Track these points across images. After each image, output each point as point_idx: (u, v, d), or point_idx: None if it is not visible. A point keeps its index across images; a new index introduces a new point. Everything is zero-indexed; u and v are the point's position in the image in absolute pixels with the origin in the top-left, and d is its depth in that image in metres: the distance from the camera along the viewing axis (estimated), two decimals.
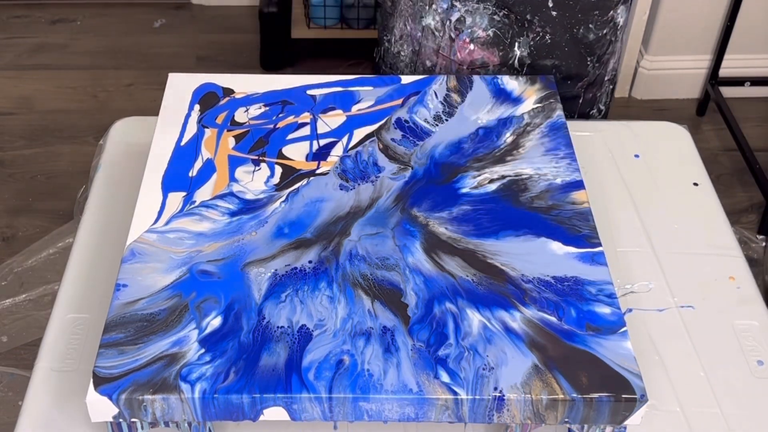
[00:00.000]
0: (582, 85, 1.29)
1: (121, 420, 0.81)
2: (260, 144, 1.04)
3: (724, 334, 0.97)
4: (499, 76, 1.13)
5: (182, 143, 1.03)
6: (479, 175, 1.01)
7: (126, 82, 2.63)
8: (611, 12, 1.23)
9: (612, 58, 1.31)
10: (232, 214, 0.95)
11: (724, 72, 2.48)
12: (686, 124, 1.25)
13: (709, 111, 2.54)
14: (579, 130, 1.18)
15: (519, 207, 0.97)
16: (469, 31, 1.22)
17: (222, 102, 1.09)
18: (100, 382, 0.79)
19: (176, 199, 0.97)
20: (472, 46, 1.24)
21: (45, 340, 0.94)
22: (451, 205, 0.97)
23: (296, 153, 1.03)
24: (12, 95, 2.57)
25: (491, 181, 1.00)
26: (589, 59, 1.26)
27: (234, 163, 1.01)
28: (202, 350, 0.82)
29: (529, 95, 1.10)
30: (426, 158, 1.03)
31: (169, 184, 0.99)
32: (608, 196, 1.11)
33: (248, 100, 1.09)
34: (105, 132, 1.20)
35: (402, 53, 1.33)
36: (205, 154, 1.02)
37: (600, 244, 0.93)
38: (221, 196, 0.97)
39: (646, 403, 0.80)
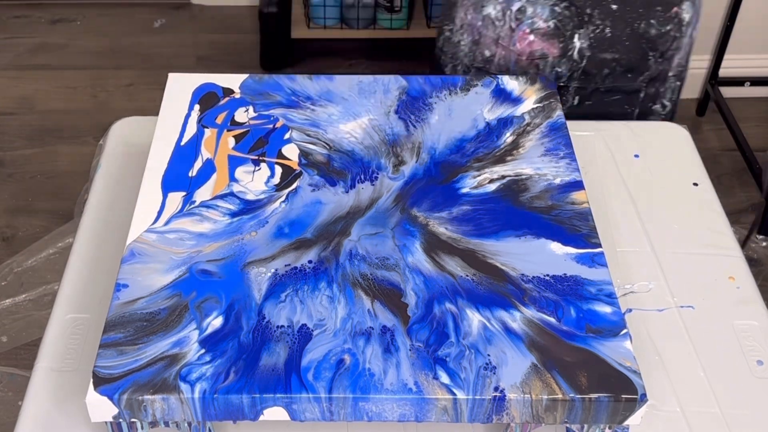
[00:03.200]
0: (643, 80, 1.29)
1: (121, 420, 0.81)
2: (260, 144, 1.04)
3: (724, 334, 0.97)
4: (500, 76, 1.13)
5: (182, 143, 1.03)
6: (479, 175, 1.01)
7: (126, 82, 2.63)
8: (675, 8, 1.23)
9: (677, 54, 1.30)
10: (232, 214, 0.95)
11: (723, 72, 2.48)
12: (686, 124, 1.25)
13: (709, 111, 2.53)
14: (579, 130, 1.18)
15: (519, 207, 0.97)
16: (530, 21, 1.22)
17: (222, 102, 1.09)
18: (100, 382, 0.79)
19: (176, 199, 0.97)
20: (532, 37, 1.24)
21: (45, 340, 0.94)
22: (451, 205, 0.97)
23: (296, 153, 1.03)
24: (12, 95, 2.57)
25: (491, 181, 1.00)
26: (651, 54, 1.26)
27: (234, 163, 1.01)
28: (202, 350, 0.82)
29: (529, 95, 1.10)
30: (425, 156, 1.03)
31: (169, 184, 0.98)
32: (608, 196, 1.11)
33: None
34: (105, 132, 1.20)
35: (462, 42, 1.33)
36: (205, 154, 1.02)
37: (600, 245, 0.93)
38: (221, 196, 0.97)
39: (646, 403, 0.80)
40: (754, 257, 2.05)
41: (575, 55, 1.25)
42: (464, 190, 0.99)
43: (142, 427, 0.84)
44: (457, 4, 1.33)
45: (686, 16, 1.26)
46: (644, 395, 0.80)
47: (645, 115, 1.33)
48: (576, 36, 1.23)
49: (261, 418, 0.81)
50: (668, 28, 1.24)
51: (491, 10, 1.26)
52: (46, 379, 0.91)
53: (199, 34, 2.83)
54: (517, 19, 1.23)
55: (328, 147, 1.04)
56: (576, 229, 0.94)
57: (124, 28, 2.84)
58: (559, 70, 1.28)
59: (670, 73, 1.32)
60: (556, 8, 1.21)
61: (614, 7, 1.21)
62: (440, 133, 1.06)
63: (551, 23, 1.22)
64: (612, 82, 1.28)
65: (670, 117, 1.42)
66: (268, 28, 2.61)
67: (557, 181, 1.00)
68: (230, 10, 2.93)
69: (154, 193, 0.97)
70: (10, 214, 2.22)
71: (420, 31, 2.65)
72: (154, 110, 1.08)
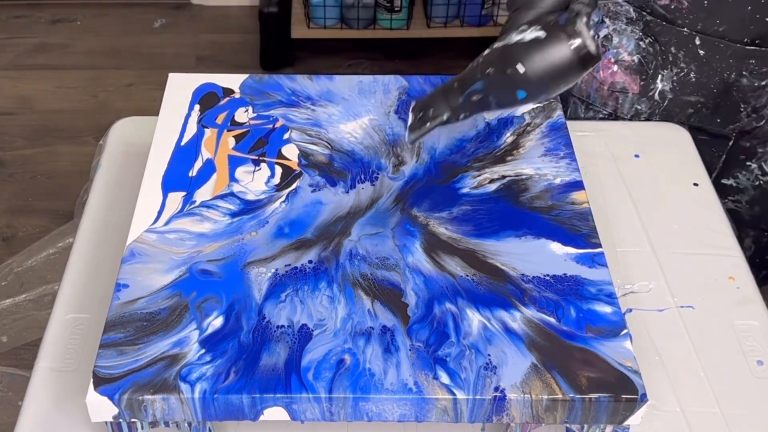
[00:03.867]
0: (733, 129, 1.22)
1: (121, 420, 0.81)
2: (260, 144, 1.04)
3: (724, 334, 0.97)
4: None
5: (182, 143, 1.03)
6: (479, 175, 1.01)
7: (126, 82, 2.63)
8: None
9: None
10: (233, 214, 0.95)
11: None
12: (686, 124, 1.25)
13: None
14: (579, 130, 1.18)
15: (519, 207, 0.97)
16: (615, 51, 1.19)
17: (222, 102, 1.09)
18: (100, 382, 0.79)
19: (176, 199, 0.97)
20: (615, 68, 1.20)
21: (45, 340, 0.94)
22: (451, 205, 0.97)
23: (296, 153, 1.03)
24: (12, 95, 2.57)
25: (491, 181, 1.00)
26: (742, 106, 1.19)
27: (234, 163, 1.01)
28: (203, 350, 0.82)
29: None
30: (425, 156, 1.03)
31: (169, 184, 0.99)
32: (608, 196, 1.11)
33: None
34: (105, 132, 1.20)
35: None
36: (205, 154, 1.02)
37: (600, 245, 0.93)
38: (221, 197, 0.97)
39: (646, 404, 0.80)
40: None
41: (656, 96, 1.20)
42: (464, 190, 0.99)
43: (142, 427, 0.84)
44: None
45: None
46: (644, 395, 0.80)
47: (736, 169, 1.23)
48: (659, 77, 1.18)
49: (261, 418, 0.81)
50: (765, 83, 1.16)
51: None
52: (46, 379, 0.91)
53: (199, 34, 2.83)
54: (603, 46, 1.18)
55: (328, 147, 1.04)
56: (576, 229, 0.95)
57: (124, 28, 2.84)
58: (639, 107, 1.22)
59: None
60: (641, 43, 1.17)
61: (701, 52, 1.14)
62: (440, 133, 1.06)
63: (635, 58, 1.18)
64: (698, 122, 1.22)
65: None
66: (268, 28, 2.61)
67: (557, 181, 1.00)
68: (230, 10, 2.93)
69: (154, 193, 0.97)
70: (10, 214, 2.22)
71: (420, 31, 2.66)
72: (154, 110, 1.08)
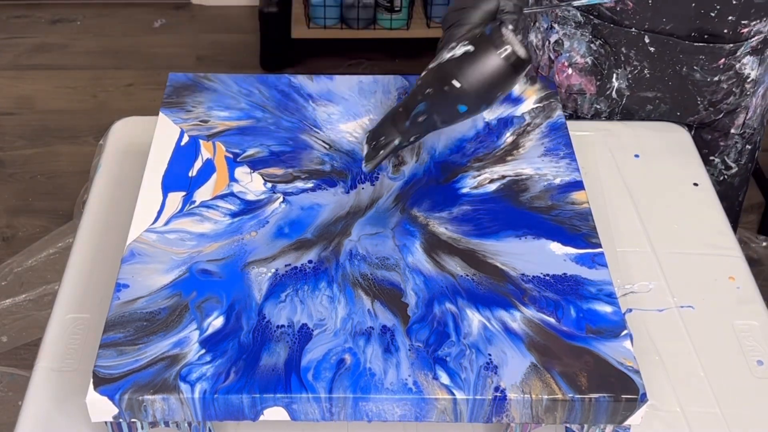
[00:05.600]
0: (693, 121, 1.23)
1: (121, 420, 0.81)
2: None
3: (724, 334, 0.97)
4: None
5: (182, 143, 1.03)
6: (479, 175, 1.01)
7: (126, 82, 2.63)
8: (723, 60, 1.15)
9: (742, 113, 1.22)
10: (233, 214, 0.95)
11: None
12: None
13: None
14: (579, 130, 1.18)
15: (519, 207, 0.97)
16: (568, 55, 1.20)
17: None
18: (100, 382, 0.79)
19: (176, 199, 0.97)
20: (570, 71, 1.21)
21: (45, 340, 0.94)
22: (451, 205, 0.97)
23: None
24: (12, 95, 2.57)
25: (491, 181, 1.00)
26: (699, 99, 1.19)
27: (234, 163, 1.01)
28: (203, 351, 0.82)
29: (529, 95, 1.10)
30: (425, 156, 1.03)
31: (169, 184, 0.98)
32: (608, 196, 1.11)
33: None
34: (105, 132, 1.20)
35: None
36: (205, 154, 1.02)
37: (600, 245, 0.93)
38: (221, 197, 0.97)
39: (646, 404, 0.80)
40: (754, 257, 2.05)
41: (614, 94, 1.21)
42: (464, 190, 0.99)
43: (142, 427, 0.84)
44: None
45: (750, 72, 1.17)
46: (644, 395, 0.80)
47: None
48: (614, 76, 1.19)
49: (261, 418, 0.81)
50: (718, 78, 1.17)
51: (533, 38, 1.24)
52: (46, 379, 0.91)
53: (199, 34, 2.83)
54: (555, 51, 1.20)
55: (328, 147, 1.04)
56: (576, 229, 0.94)
57: (124, 28, 2.84)
58: (599, 107, 1.23)
59: (733, 131, 1.24)
60: (592, 45, 1.18)
61: (652, 49, 1.15)
62: (440, 133, 1.06)
63: (588, 60, 1.19)
64: (658, 117, 1.23)
65: (736, 187, 1.32)
66: (268, 28, 2.61)
67: (557, 181, 1.00)
68: (230, 10, 2.93)
69: (154, 193, 0.97)
70: (10, 214, 2.22)
71: (420, 31, 2.66)
72: (154, 110, 1.08)
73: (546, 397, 0.80)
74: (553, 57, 1.21)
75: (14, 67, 2.68)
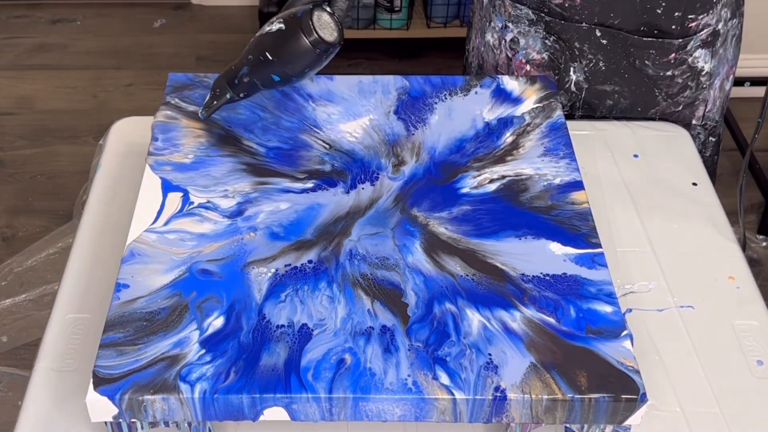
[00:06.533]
0: (654, 114, 1.24)
1: (121, 420, 0.81)
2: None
3: (724, 334, 0.97)
4: (499, 76, 1.13)
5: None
6: (479, 175, 1.01)
7: (126, 82, 2.63)
8: (674, 54, 1.16)
9: (702, 106, 1.23)
10: (232, 214, 0.95)
11: None
12: None
13: None
14: (579, 130, 1.18)
15: (519, 207, 0.97)
16: (524, 52, 1.21)
17: None
18: (100, 382, 0.79)
19: (176, 199, 0.97)
20: (528, 67, 1.23)
21: (45, 340, 0.94)
22: (451, 205, 0.97)
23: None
24: (12, 95, 2.57)
25: (491, 181, 1.00)
26: (656, 91, 1.20)
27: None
28: (203, 351, 0.82)
29: (529, 95, 1.10)
30: (425, 156, 1.03)
31: (169, 184, 0.98)
32: (608, 196, 1.11)
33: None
34: (105, 132, 1.20)
35: (473, 65, 1.34)
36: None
37: (600, 245, 0.93)
38: (221, 197, 0.97)
39: (646, 404, 0.80)
40: (754, 257, 2.05)
41: (572, 87, 1.22)
42: (464, 190, 0.99)
43: (142, 427, 0.84)
44: (471, 26, 1.32)
45: (703, 65, 1.18)
46: (644, 395, 0.80)
47: None
48: (571, 69, 1.21)
49: (261, 418, 0.81)
50: (671, 73, 1.18)
51: (490, 38, 1.25)
52: (46, 379, 0.90)
53: (199, 34, 2.83)
54: (512, 49, 1.22)
55: (328, 147, 1.04)
56: (576, 229, 0.94)
57: (124, 28, 2.84)
58: (560, 101, 1.26)
59: (694, 122, 1.25)
60: (547, 41, 1.20)
61: (604, 41, 1.17)
62: (440, 133, 1.06)
63: (545, 55, 1.21)
64: (620, 113, 1.24)
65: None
66: None
67: (557, 181, 1.00)
68: (230, 10, 2.93)
69: (154, 193, 0.97)
70: (10, 214, 2.22)
71: (420, 31, 2.66)
72: (154, 110, 1.08)
73: (546, 397, 0.80)
74: (510, 55, 1.22)
75: (14, 67, 2.68)
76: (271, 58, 0.96)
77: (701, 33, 1.17)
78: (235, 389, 0.79)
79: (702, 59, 1.19)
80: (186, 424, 0.84)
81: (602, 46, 1.18)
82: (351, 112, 1.09)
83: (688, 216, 1.09)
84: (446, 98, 1.10)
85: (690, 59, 1.18)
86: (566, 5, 1.16)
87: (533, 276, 0.90)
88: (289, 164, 1.01)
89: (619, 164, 1.16)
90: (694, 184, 1.14)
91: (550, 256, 0.92)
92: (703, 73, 1.20)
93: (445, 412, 0.81)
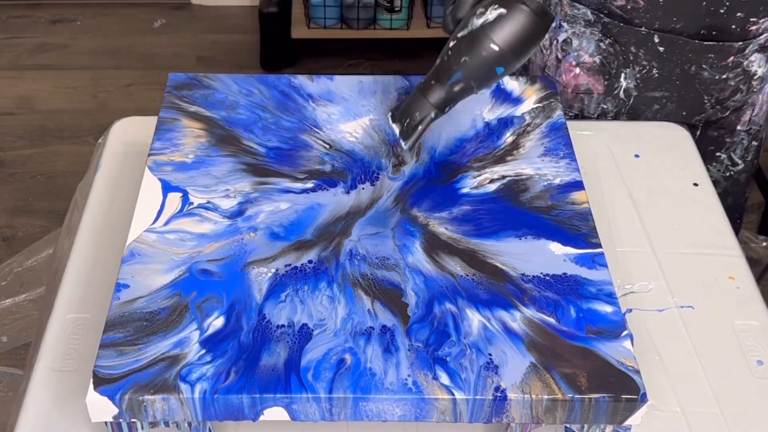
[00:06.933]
0: (699, 120, 1.23)
1: (121, 420, 0.81)
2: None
3: (724, 334, 0.97)
4: None
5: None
6: (479, 175, 1.01)
7: (126, 82, 2.63)
8: (732, 58, 1.15)
9: (749, 110, 1.23)
10: (232, 215, 0.95)
11: None
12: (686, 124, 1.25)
13: None
14: (579, 130, 1.18)
15: (519, 207, 0.97)
16: (576, 54, 1.20)
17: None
18: (100, 382, 0.79)
19: (176, 199, 0.97)
20: (577, 70, 1.22)
21: (45, 340, 0.94)
22: (451, 205, 0.97)
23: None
24: (12, 95, 2.57)
25: (491, 181, 1.00)
26: (706, 97, 1.20)
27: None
28: (203, 351, 0.82)
29: (529, 95, 1.10)
30: (425, 156, 1.03)
31: (169, 184, 0.98)
32: (608, 196, 1.11)
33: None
34: (105, 132, 1.20)
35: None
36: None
37: (600, 245, 0.93)
38: (221, 197, 0.97)
39: (646, 404, 0.80)
40: (754, 257, 2.05)
41: (621, 94, 1.21)
42: (464, 190, 0.99)
43: (142, 427, 0.84)
44: None
45: (757, 69, 1.18)
46: (645, 395, 0.80)
47: (706, 161, 1.22)
48: (622, 75, 1.19)
49: (261, 418, 0.81)
50: (726, 76, 1.18)
51: None
52: (46, 379, 0.91)
53: (199, 34, 2.83)
54: (563, 50, 1.20)
55: (328, 147, 1.04)
56: (576, 229, 0.94)
57: (124, 28, 2.84)
58: (605, 106, 1.23)
59: (739, 127, 1.25)
60: (602, 44, 1.18)
61: (661, 48, 1.15)
62: (440, 133, 1.06)
63: (597, 59, 1.19)
64: (664, 117, 1.24)
65: (742, 184, 1.32)
66: (268, 28, 2.61)
67: (557, 181, 1.00)
68: (230, 10, 2.93)
69: (154, 193, 0.97)
70: (10, 214, 2.22)
71: (420, 31, 2.66)
72: (154, 110, 1.08)
73: (546, 397, 0.80)
74: (560, 56, 1.21)
75: (14, 67, 2.68)
76: (497, 48, 0.92)
77: (761, 37, 1.16)
78: (235, 389, 0.79)
79: (757, 63, 1.18)
80: (186, 424, 0.84)
81: (658, 53, 1.16)
82: (351, 112, 1.09)
83: (688, 216, 1.09)
84: None
85: (745, 63, 1.17)
86: (628, 7, 1.14)
87: (533, 276, 0.90)
88: (289, 164, 1.01)
89: (619, 164, 1.16)
90: (695, 184, 1.14)
91: (550, 256, 0.92)
92: (756, 77, 1.19)
93: (445, 412, 0.81)
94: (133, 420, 0.81)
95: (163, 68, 2.64)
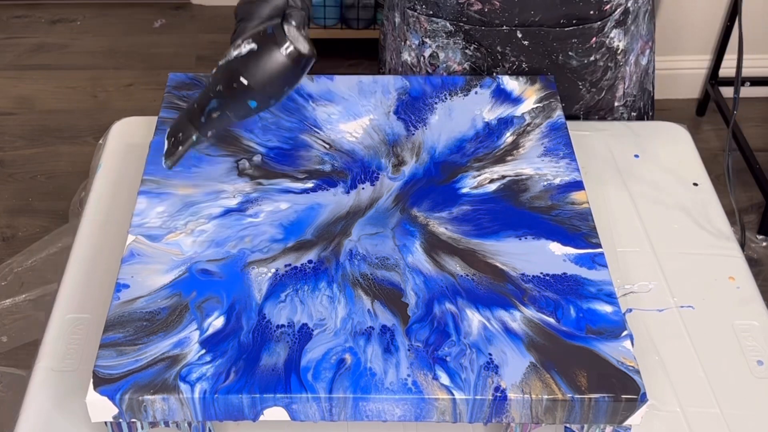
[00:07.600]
0: (579, 108, 1.25)
1: (121, 420, 0.81)
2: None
3: (724, 334, 0.97)
4: (500, 76, 1.13)
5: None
6: (479, 175, 1.01)
7: (126, 82, 2.63)
8: (594, 38, 1.18)
9: (620, 84, 1.25)
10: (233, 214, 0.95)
11: (724, 72, 2.48)
12: (686, 124, 1.25)
13: (709, 111, 2.54)
14: (579, 129, 1.18)
15: (519, 207, 0.97)
16: (444, 65, 1.22)
17: None
18: (100, 382, 0.79)
19: (175, 199, 0.97)
20: None
21: (45, 340, 0.94)
22: (451, 205, 0.97)
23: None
24: (12, 95, 2.57)
25: (491, 181, 1.00)
26: (580, 83, 1.22)
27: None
28: (203, 351, 0.82)
29: (529, 95, 1.10)
30: (425, 156, 1.03)
31: (168, 184, 0.98)
32: (608, 196, 1.11)
33: None
34: (105, 132, 1.20)
35: None
36: None
37: (600, 245, 0.93)
38: (221, 197, 0.97)
39: (646, 404, 0.80)
40: (754, 257, 2.05)
41: None
42: (464, 190, 0.99)
43: (142, 427, 0.84)
44: (385, 48, 1.31)
45: (618, 44, 1.21)
46: (645, 395, 0.80)
47: None
48: (494, 74, 1.21)
49: (261, 418, 0.81)
50: (593, 58, 1.20)
51: (407, 57, 1.25)
52: (46, 379, 0.91)
53: (199, 34, 2.83)
54: (432, 65, 1.22)
55: (327, 147, 1.04)
56: (576, 229, 0.94)
57: (124, 28, 2.84)
58: None
59: (616, 104, 1.28)
60: (467, 51, 1.20)
61: (526, 42, 1.17)
62: (440, 133, 1.06)
63: (466, 65, 1.21)
64: None
65: None
66: None
67: (557, 181, 1.00)
68: (230, 10, 2.92)
69: (154, 193, 0.97)
70: (10, 214, 2.22)
71: None
72: (154, 110, 1.08)
73: (546, 397, 0.80)
74: (431, 71, 1.23)
75: (14, 67, 2.68)
76: (246, 83, 0.89)
77: (615, 13, 1.18)
78: (235, 389, 0.79)
79: (617, 38, 1.20)
80: (186, 424, 0.84)
81: (524, 48, 1.18)
82: (351, 112, 1.09)
83: (688, 216, 1.09)
84: (446, 98, 1.10)
85: (607, 41, 1.20)
86: (485, 10, 1.15)
87: (533, 276, 0.90)
88: (289, 164, 1.01)
89: (619, 164, 1.16)
90: (695, 184, 1.14)
91: (550, 256, 0.92)
92: (619, 51, 1.22)
93: (445, 412, 0.81)
94: (133, 420, 0.81)
95: (163, 68, 2.64)
